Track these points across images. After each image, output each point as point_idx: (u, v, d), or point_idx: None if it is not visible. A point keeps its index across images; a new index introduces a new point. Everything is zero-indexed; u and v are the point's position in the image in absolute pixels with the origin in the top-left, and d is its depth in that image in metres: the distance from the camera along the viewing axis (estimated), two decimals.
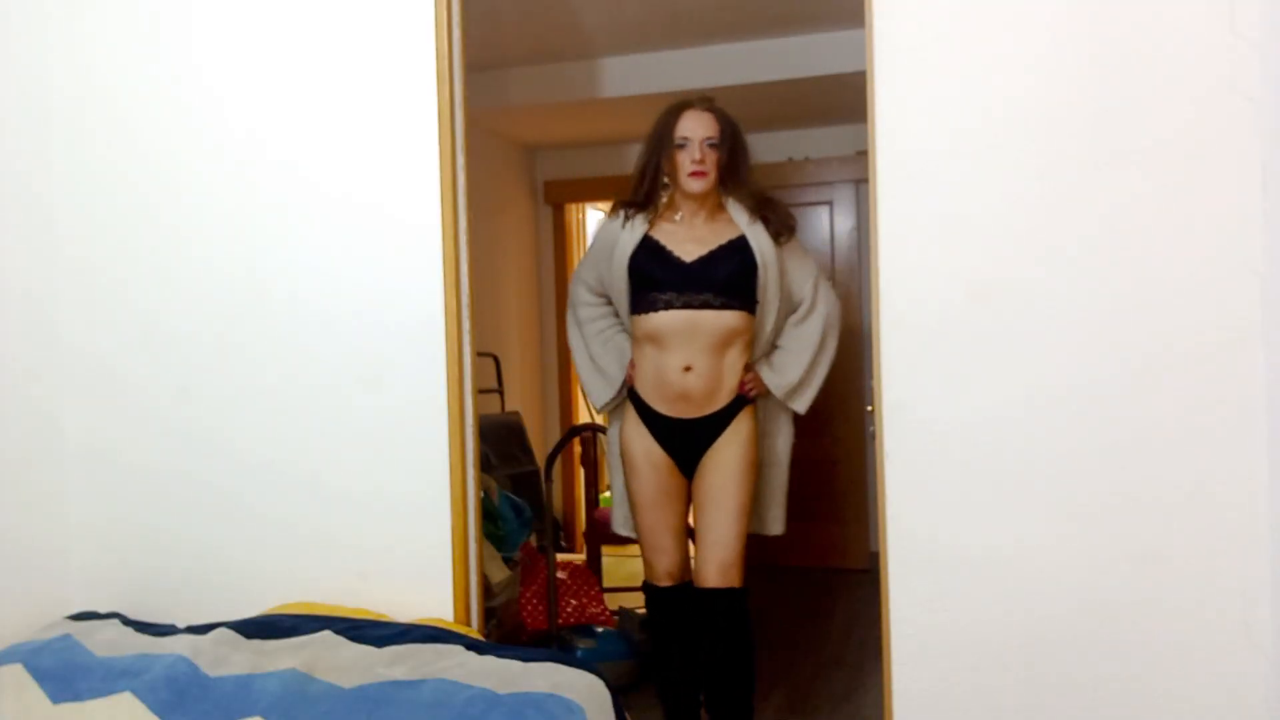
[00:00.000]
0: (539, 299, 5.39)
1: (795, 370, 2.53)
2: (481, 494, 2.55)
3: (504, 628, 3.17)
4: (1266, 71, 1.76)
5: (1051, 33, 1.88)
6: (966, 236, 1.93)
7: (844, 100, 4.02)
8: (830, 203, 4.79)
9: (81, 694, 1.78)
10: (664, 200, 2.53)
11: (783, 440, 2.65)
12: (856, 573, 4.58)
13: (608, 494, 5.48)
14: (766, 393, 2.55)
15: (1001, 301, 1.92)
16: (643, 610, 3.41)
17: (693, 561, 2.61)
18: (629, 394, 2.57)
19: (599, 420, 3.03)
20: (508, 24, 3.55)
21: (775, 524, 2.67)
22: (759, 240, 2.46)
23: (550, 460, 3.51)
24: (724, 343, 2.45)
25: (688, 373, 2.44)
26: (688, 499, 2.60)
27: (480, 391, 2.41)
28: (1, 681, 1.83)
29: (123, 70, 2.38)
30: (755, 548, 2.59)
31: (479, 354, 2.45)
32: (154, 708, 1.72)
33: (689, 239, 2.48)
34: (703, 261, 2.45)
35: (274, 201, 2.30)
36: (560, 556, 3.75)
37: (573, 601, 3.54)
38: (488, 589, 2.84)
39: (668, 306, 2.44)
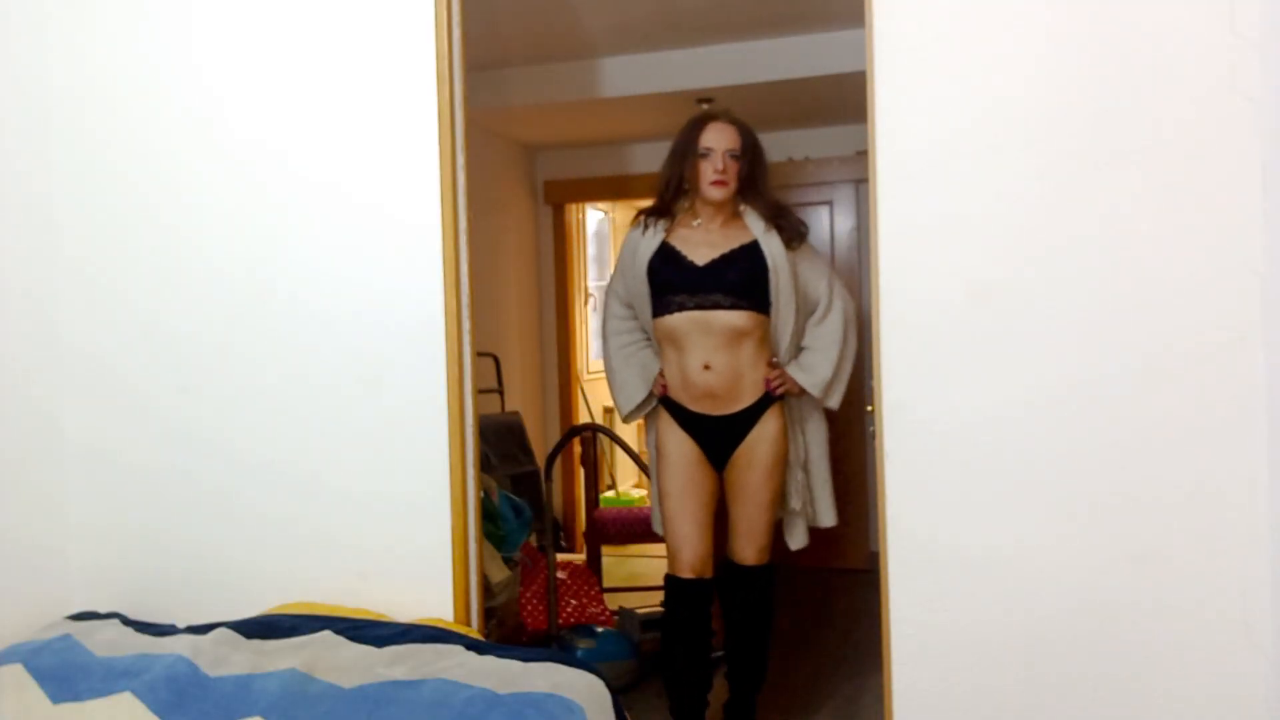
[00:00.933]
0: (539, 299, 5.39)
1: (826, 367, 2.67)
2: (481, 494, 2.55)
3: (504, 628, 3.17)
4: (1266, 71, 1.76)
5: (1051, 32, 1.88)
6: (966, 236, 1.93)
7: (844, 100, 4.02)
8: (830, 203, 4.79)
9: (81, 694, 1.78)
10: (684, 206, 2.70)
11: (818, 435, 2.80)
12: (856, 573, 4.58)
13: (608, 494, 5.48)
14: (797, 391, 2.67)
15: (1001, 301, 1.92)
16: (643, 610, 3.42)
17: (729, 544, 2.77)
18: (663, 399, 2.72)
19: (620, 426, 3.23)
20: (508, 24, 3.55)
21: (826, 515, 2.82)
22: (771, 245, 2.60)
23: (550, 460, 3.51)
24: (735, 340, 2.60)
25: (707, 371, 2.60)
26: (717, 495, 2.72)
27: (480, 391, 2.41)
28: (1, 681, 1.83)
29: (123, 70, 2.38)
30: None
31: (479, 354, 2.45)
32: (154, 708, 1.72)
33: (703, 243, 2.64)
34: (714, 265, 2.61)
35: (274, 201, 2.30)
36: (560, 556, 3.76)
37: (573, 601, 3.54)
38: (488, 589, 2.84)
39: (681, 308, 2.61)
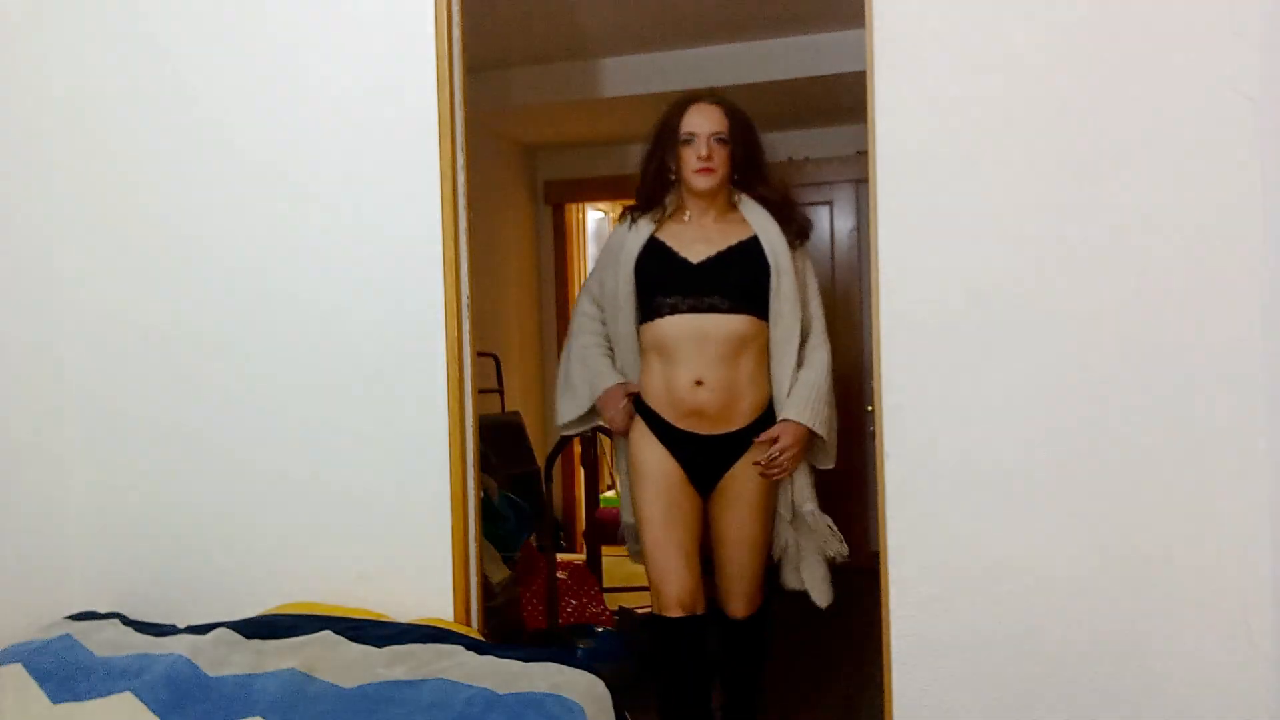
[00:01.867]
0: (539, 299, 5.39)
1: (830, 429, 2.33)
2: (481, 494, 2.55)
3: (504, 628, 3.17)
4: (1266, 71, 1.75)
5: (1051, 32, 1.88)
6: (966, 236, 1.93)
7: (844, 100, 4.02)
8: (830, 203, 4.79)
9: (81, 694, 1.78)
10: (671, 201, 2.39)
11: (807, 489, 2.42)
12: (856, 573, 4.58)
13: (608, 494, 5.48)
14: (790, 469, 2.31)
15: (1001, 302, 1.91)
16: (643, 609, 3.42)
17: (719, 590, 2.43)
18: (636, 405, 2.39)
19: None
20: (508, 24, 3.55)
21: (822, 593, 2.47)
22: (772, 242, 2.29)
23: (550, 460, 3.51)
24: (736, 351, 2.26)
25: (699, 387, 2.26)
26: (702, 518, 2.39)
27: (480, 391, 2.40)
28: (1, 681, 1.83)
29: (122, 71, 2.38)
30: None
31: (479, 354, 2.45)
32: (154, 708, 1.72)
33: (698, 239, 2.33)
34: (711, 262, 2.29)
35: (274, 201, 2.30)
36: (560, 556, 3.76)
37: (573, 601, 3.54)
38: (488, 589, 2.84)
39: (674, 311, 2.27)
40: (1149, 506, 1.85)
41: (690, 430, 2.30)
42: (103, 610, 2.32)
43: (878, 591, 2.04)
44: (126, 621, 2.17)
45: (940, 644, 1.95)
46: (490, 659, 1.87)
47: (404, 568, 2.24)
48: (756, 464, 2.27)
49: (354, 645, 1.93)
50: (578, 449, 4.82)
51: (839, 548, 2.43)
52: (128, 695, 1.76)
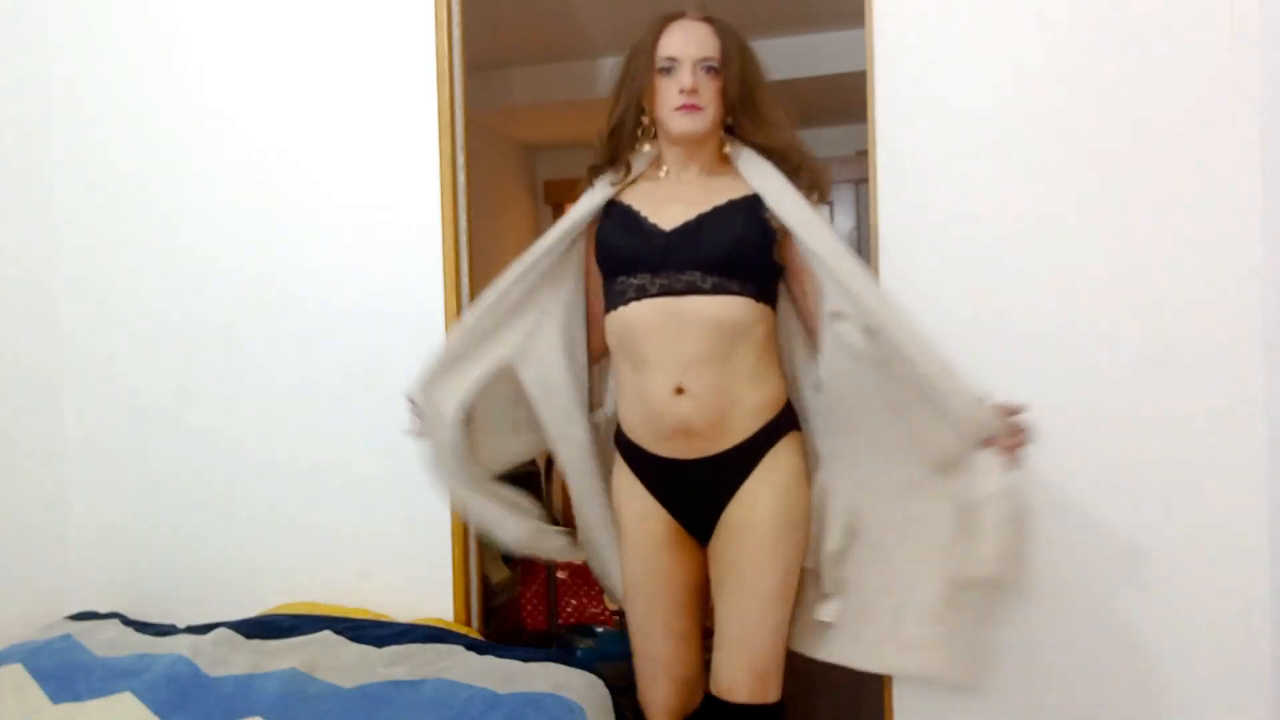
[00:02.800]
0: None
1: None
2: None
3: (504, 628, 3.17)
4: (1266, 71, 1.75)
5: (1051, 33, 1.88)
6: (966, 236, 1.93)
7: (844, 100, 4.02)
8: (830, 203, 4.79)
9: (81, 694, 1.78)
10: (642, 153, 1.79)
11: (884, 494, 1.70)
12: None
13: None
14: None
15: (1001, 301, 1.91)
16: None
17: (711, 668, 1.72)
18: (618, 439, 1.80)
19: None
20: (508, 24, 3.55)
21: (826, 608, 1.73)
22: (779, 197, 1.68)
23: (550, 460, 3.51)
24: (727, 344, 1.65)
25: (680, 397, 1.64)
26: (703, 578, 1.77)
27: None
28: (1, 681, 1.83)
29: (122, 71, 2.38)
30: None
31: None
32: (154, 708, 1.72)
33: (673, 199, 1.73)
34: (688, 228, 1.69)
35: (274, 201, 2.30)
36: None
37: (573, 601, 3.54)
38: (488, 589, 2.84)
39: (639, 295, 1.67)
40: (1149, 506, 1.85)
41: (675, 457, 1.69)
42: (103, 610, 2.32)
43: None
44: (126, 621, 2.17)
45: None
46: (490, 659, 1.87)
47: (404, 568, 2.24)
48: (993, 443, 1.55)
49: (354, 645, 1.93)
50: None
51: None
52: (128, 695, 1.76)
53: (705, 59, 1.69)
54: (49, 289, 2.39)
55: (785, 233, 1.69)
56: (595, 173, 1.82)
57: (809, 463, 1.74)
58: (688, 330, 1.65)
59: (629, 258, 1.71)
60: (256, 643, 1.95)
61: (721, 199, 1.72)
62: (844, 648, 1.73)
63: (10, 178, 2.31)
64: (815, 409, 1.77)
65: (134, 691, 1.76)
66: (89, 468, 2.42)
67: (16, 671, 1.85)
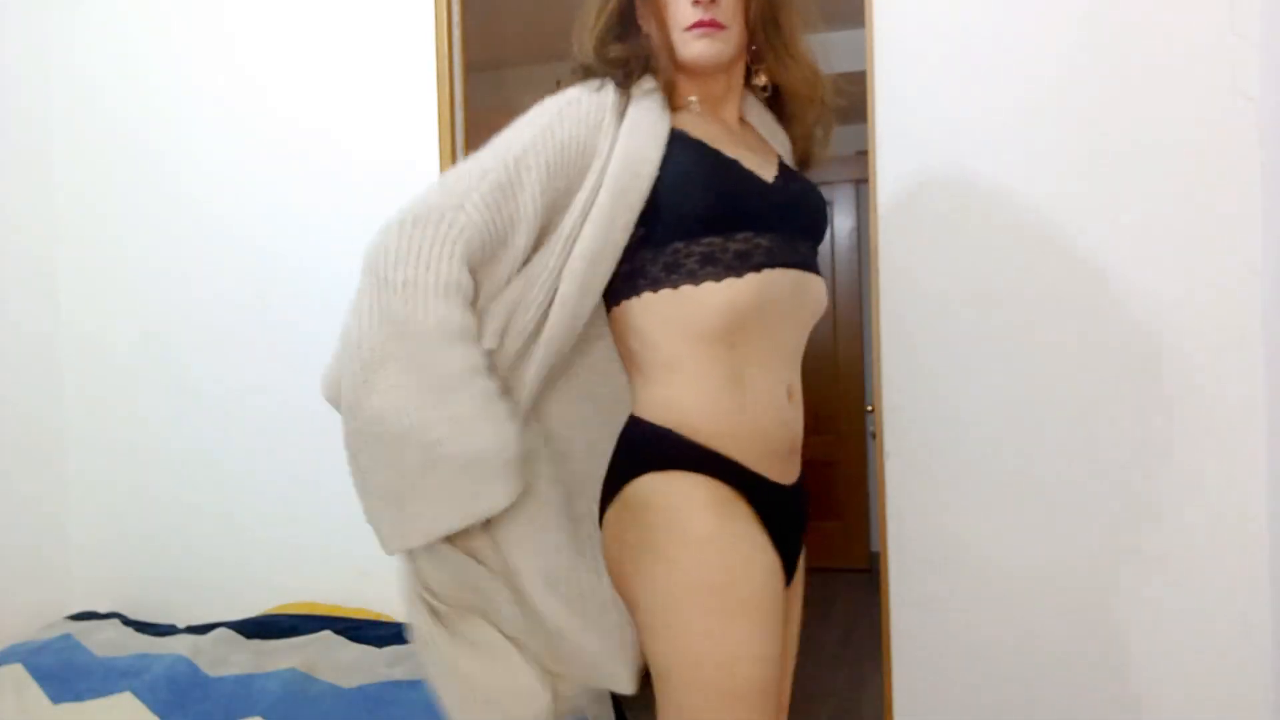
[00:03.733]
0: None
1: None
2: None
3: None
4: (1266, 71, 1.76)
5: (1051, 33, 1.88)
6: (966, 236, 1.93)
7: (844, 100, 4.02)
8: (830, 203, 4.80)
9: (81, 694, 1.78)
10: (643, 89, 1.27)
11: None
12: (856, 573, 4.58)
13: None
14: None
15: (1001, 301, 1.91)
16: None
17: None
18: (672, 453, 1.19)
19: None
20: (508, 24, 3.55)
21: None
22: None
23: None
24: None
25: (791, 402, 1.26)
26: None
27: None
28: (1, 681, 1.83)
29: (122, 71, 2.38)
30: None
31: None
32: (154, 708, 1.72)
33: (737, 143, 1.30)
34: (782, 185, 1.29)
35: (274, 201, 2.30)
36: None
37: None
38: None
39: (769, 263, 1.21)
40: (1149, 506, 1.85)
41: (782, 483, 1.25)
42: (103, 610, 2.32)
43: (878, 591, 2.04)
44: (126, 621, 2.17)
45: (940, 644, 1.95)
46: None
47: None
48: None
49: (354, 645, 1.94)
50: None
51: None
52: (128, 695, 1.76)
53: None
54: (50, 289, 2.39)
55: None
56: (590, 75, 1.29)
57: None
58: (804, 315, 1.29)
59: (741, 212, 1.22)
60: (256, 643, 1.95)
61: (773, 155, 1.35)
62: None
63: (10, 177, 2.31)
64: None
65: (134, 691, 1.76)
66: (89, 468, 2.42)
67: (16, 671, 1.85)
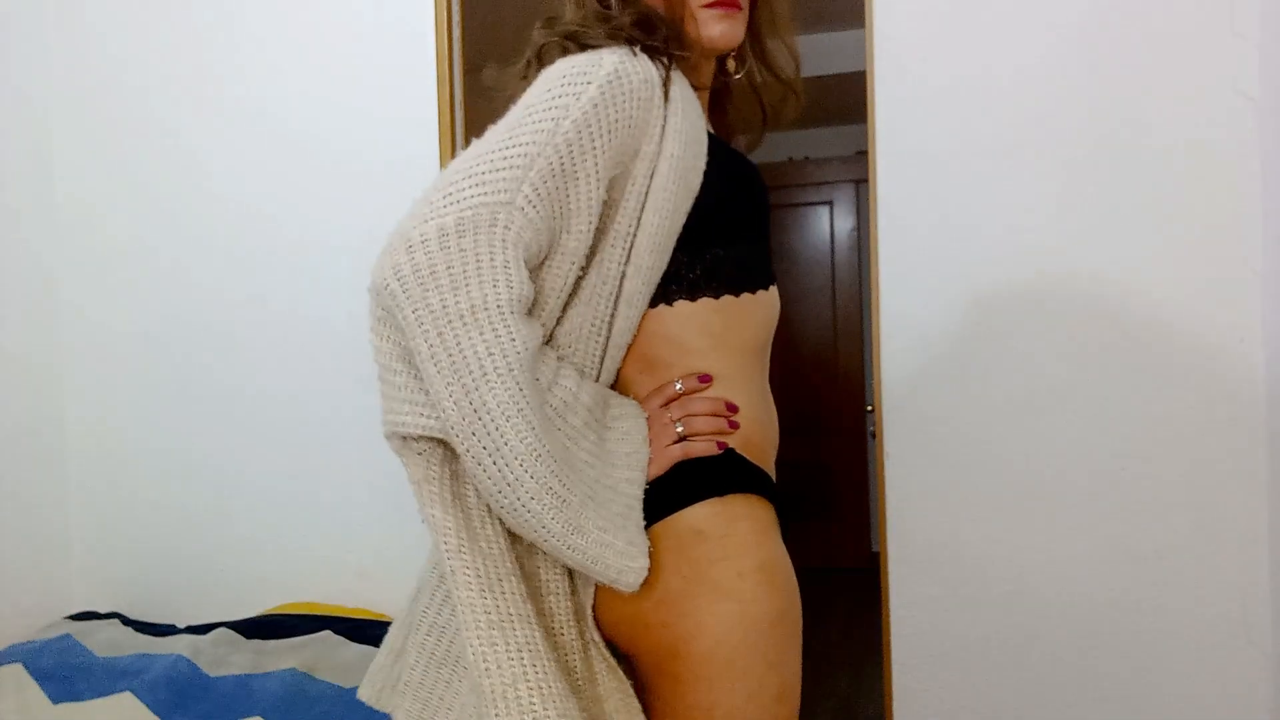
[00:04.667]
0: None
1: None
2: None
3: None
4: (1266, 71, 1.76)
5: (1051, 33, 1.88)
6: (966, 237, 1.93)
7: (844, 100, 4.02)
8: (830, 203, 4.79)
9: (81, 694, 1.78)
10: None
11: None
12: (856, 573, 4.58)
13: None
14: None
15: (1001, 301, 1.92)
16: None
17: None
18: (735, 475, 1.08)
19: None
20: (508, 24, 3.55)
21: None
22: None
23: None
24: None
25: (768, 403, 1.19)
26: None
27: None
28: (1, 681, 1.83)
29: (122, 71, 2.38)
30: None
31: None
32: (154, 708, 1.72)
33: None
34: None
35: (274, 202, 2.30)
36: None
37: None
38: None
39: (770, 281, 1.17)
40: (1149, 506, 1.85)
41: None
42: (103, 610, 2.32)
43: (878, 591, 2.04)
44: (126, 621, 2.17)
45: (940, 644, 1.95)
46: None
47: (404, 568, 2.24)
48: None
49: (354, 645, 1.93)
50: None
51: None
52: (128, 695, 1.76)
53: None
54: (50, 290, 2.39)
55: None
56: (635, 43, 1.04)
57: None
58: (774, 327, 1.21)
59: (766, 219, 1.18)
60: (256, 643, 1.95)
61: None
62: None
63: (10, 176, 2.31)
64: None
65: (134, 691, 1.76)
66: (89, 468, 2.42)
67: (16, 671, 1.85)
